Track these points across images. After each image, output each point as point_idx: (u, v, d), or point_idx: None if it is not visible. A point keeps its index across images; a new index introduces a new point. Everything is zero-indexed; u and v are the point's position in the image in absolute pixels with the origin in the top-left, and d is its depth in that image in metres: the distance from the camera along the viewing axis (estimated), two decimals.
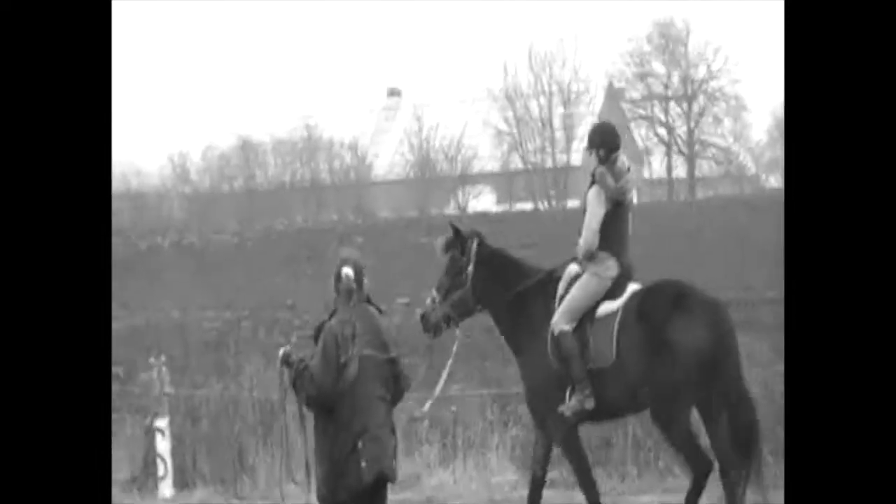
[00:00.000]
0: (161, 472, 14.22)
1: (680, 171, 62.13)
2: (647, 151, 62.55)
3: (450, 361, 10.20)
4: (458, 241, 10.14)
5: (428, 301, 10.19)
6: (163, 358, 14.90)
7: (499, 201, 59.18)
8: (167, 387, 14.52)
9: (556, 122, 59.86)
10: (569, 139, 60.21)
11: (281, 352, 8.23)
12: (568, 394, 9.71)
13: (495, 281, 10.07)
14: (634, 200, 10.44)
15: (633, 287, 9.83)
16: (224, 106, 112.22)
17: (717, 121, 61.88)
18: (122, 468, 14.49)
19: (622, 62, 62.25)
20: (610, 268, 9.82)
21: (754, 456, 9.52)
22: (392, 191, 60.36)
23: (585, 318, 9.76)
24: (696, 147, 61.23)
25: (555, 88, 60.06)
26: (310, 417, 8.15)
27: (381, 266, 26.49)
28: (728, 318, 9.61)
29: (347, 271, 8.18)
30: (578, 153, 60.93)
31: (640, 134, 62.49)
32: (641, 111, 62.34)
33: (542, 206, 56.86)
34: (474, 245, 10.10)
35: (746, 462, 9.48)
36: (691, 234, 34.14)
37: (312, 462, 8.18)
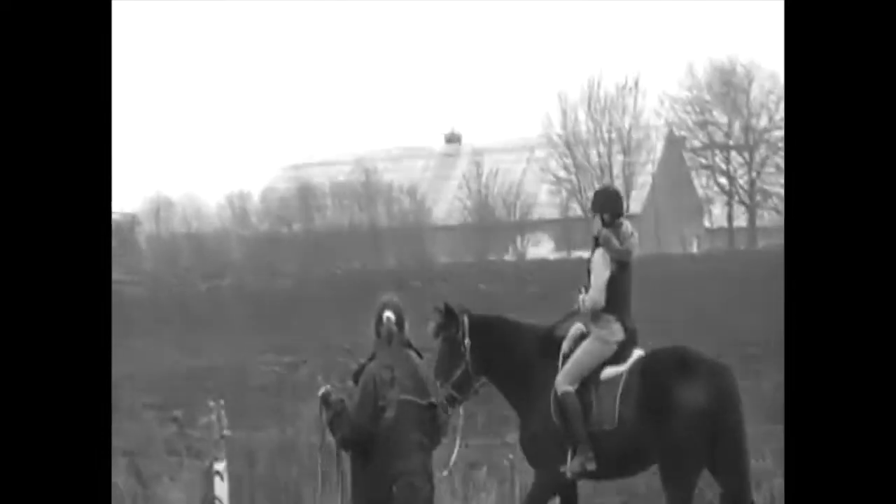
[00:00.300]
0: None
1: (740, 220, 61.75)
2: (708, 200, 62.26)
3: (458, 439, 10.20)
4: (449, 321, 10.27)
5: None
6: (222, 401, 14.93)
7: (557, 248, 59.08)
8: (226, 430, 14.54)
9: (616, 170, 59.72)
10: (628, 187, 60.03)
11: (321, 392, 8.26)
12: (570, 454, 9.91)
13: (494, 347, 10.22)
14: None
15: (638, 352, 10.07)
16: (283, 149, 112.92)
17: (779, 171, 61.49)
18: None
19: (683, 110, 62.09)
20: (615, 332, 10.05)
21: None
22: (450, 236, 60.38)
23: (589, 380, 9.97)
24: (758, 197, 60.86)
25: (614, 136, 59.95)
26: (346, 458, 8.17)
27: None
28: (733, 383, 9.77)
29: (388, 314, 8.22)
30: (638, 202, 60.73)
31: (700, 183, 62.24)
32: (702, 160, 62.06)
33: None
34: (466, 318, 10.27)
35: None
36: (753, 284, 33.87)
37: (348, 501, 8.21)
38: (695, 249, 56.46)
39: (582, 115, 60.59)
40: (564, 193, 60.23)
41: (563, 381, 9.93)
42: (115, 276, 41.30)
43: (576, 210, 59.53)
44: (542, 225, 60.73)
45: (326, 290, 38.84)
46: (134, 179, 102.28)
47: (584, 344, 10.03)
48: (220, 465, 14.33)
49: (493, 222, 60.32)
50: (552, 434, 9.94)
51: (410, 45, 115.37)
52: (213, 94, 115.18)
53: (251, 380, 22.62)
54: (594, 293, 10.01)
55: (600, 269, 10.08)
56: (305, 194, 62.97)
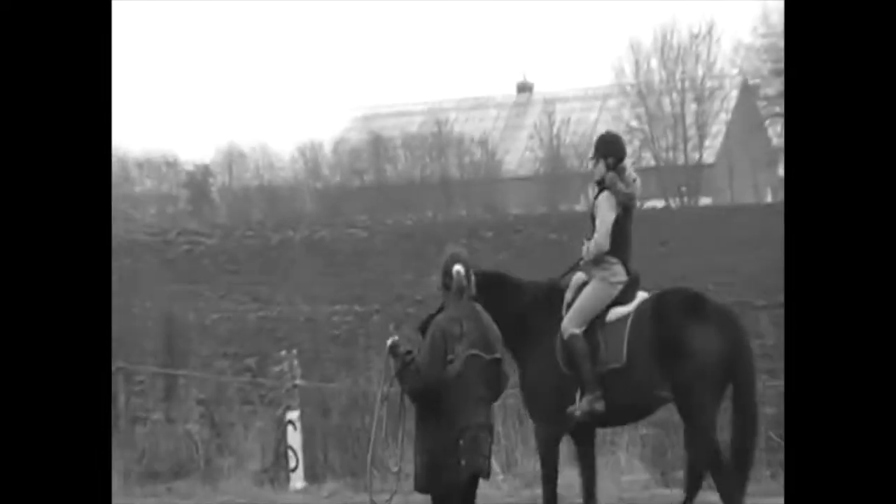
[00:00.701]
0: (292, 464, 14.33)
1: None
2: (783, 149, 61.65)
3: None
4: None
5: None
6: (294, 351, 15.01)
7: None
8: (298, 379, 14.62)
9: (689, 119, 59.23)
10: (701, 136, 59.55)
11: (389, 342, 8.32)
12: (578, 396, 10.01)
13: (498, 302, 10.10)
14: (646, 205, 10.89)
15: (642, 294, 10.15)
16: (354, 100, 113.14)
17: None
18: (254, 460, 14.65)
19: (757, 58, 61.40)
20: (617, 273, 10.14)
21: (747, 461, 9.82)
22: (522, 187, 60.29)
23: (595, 322, 10.07)
24: None
25: (688, 84, 59.45)
26: (411, 409, 8.24)
27: (510, 263, 26.43)
28: (740, 324, 9.88)
29: (458, 268, 8.27)
30: (712, 150, 60.24)
31: (774, 131, 61.62)
32: (776, 108, 61.39)
33: (674, 203, 56.35)
34: (472, 274, 10.27)
35: (739, 466, 9.75)
36: None
37: (408, 453, 8.31)
38: (769, 199, 55.94)
39: (655, 64, 60.16)
40: (637, 143, 59.82)
41: (570, 325, 10.06)
42: (189, 227, 41.67)
43: (648, 160, 59.20)
44: None
45: (398, 241, 38.92)
46: (206, 131, 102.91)
47: (588, 286, 10.15)
48: (294, 415, 14.43)
49: (564, 172, 60.12)
50: (553, 387, 10.08)
51: None
52: (286, 44, 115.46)
53: (323, 330, 22.71)
54: (599, 236, 10.11)
55: (606, 213, 10.14)
56: (377, 145, 63.05)
